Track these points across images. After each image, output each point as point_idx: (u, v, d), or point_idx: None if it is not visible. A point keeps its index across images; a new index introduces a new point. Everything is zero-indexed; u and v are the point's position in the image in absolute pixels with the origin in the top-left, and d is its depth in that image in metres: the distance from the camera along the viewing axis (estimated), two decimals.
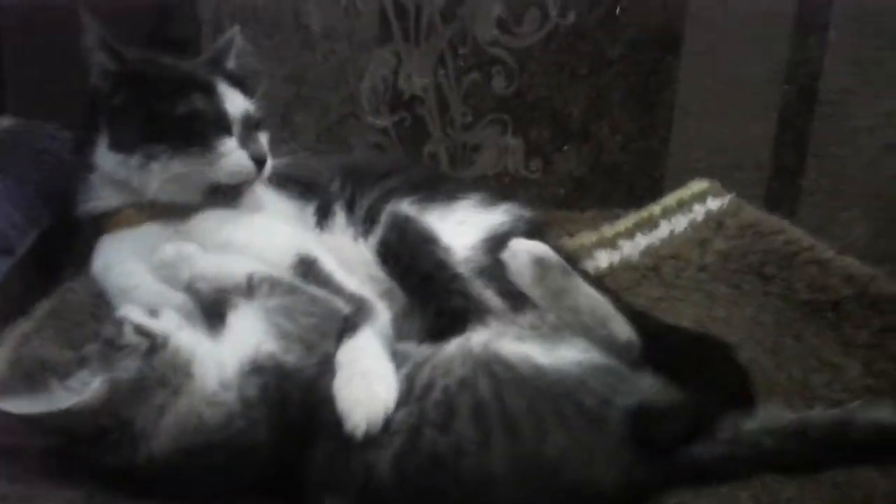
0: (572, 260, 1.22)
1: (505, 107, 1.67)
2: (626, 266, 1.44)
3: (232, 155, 1.08)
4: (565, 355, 0.87)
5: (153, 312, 0.86)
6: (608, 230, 1.55)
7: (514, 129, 1.69)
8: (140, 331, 0.82)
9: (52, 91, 1.34)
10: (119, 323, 0.83)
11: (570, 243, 1.52)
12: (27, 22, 1.42)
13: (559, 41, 1.64)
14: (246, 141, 1.10)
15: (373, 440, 0.79)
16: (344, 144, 1.62)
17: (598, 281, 1.20)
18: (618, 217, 1.59)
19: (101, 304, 1.04)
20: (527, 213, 1.26)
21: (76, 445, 0.77)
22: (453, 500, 0.78)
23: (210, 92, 1.10)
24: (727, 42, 1.70)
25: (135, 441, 0.77)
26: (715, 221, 1.47)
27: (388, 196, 1.18)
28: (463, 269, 1.09)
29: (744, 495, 0.85)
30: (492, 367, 0.85)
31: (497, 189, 1.69)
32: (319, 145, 1.63)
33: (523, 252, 0.96)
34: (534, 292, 0.94)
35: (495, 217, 1.21)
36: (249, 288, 0.92)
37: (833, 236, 1.81)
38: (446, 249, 1.11)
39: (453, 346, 0.91)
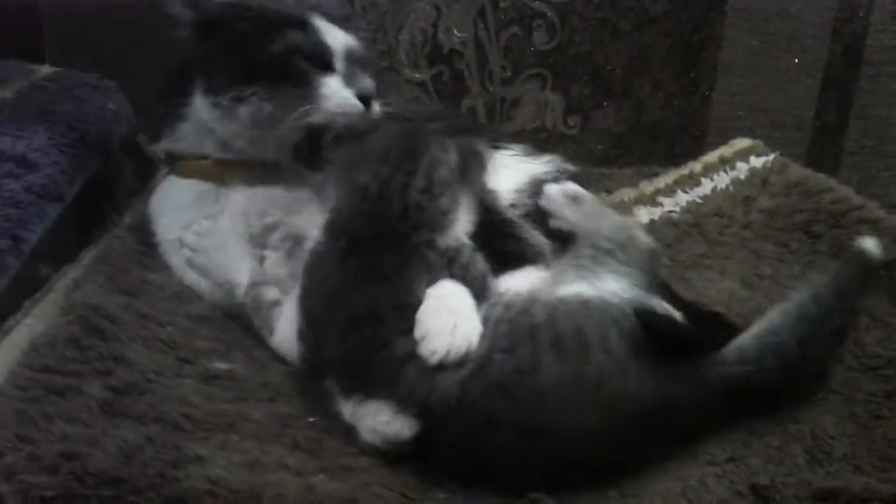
0: None
1: (545, 62, 1.65)
2: (667, 222, 1.41)
3: (337, 93, 1.01)
4: (607, 288, 0.91)
5: None
6: (647, 187, 1.52)
7: (553, 84, 1.67)
8: None
9: (91, 41, 1.32)
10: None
11: (609, 200, 1.50)
12: None
13: None
14: (350, 78, 1.03)
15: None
16: (382, 98, 1.60)
17: None
18: (657, 175, 1.57)
19: (147, 251, 1.04)
20: (569, 166, 1.24)
21: None
22: (508, 422, 0.79)
23: (306, 27, 1.04)
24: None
25: None
26: (759, 179, 1.44)
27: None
28: (511, 213, 1.08)
29: (796, 450, 0.84)
30: (548, 304, 0.87)
31: (534, 146, 1.69)
32: None
33: (558, 191, 1.08)
34: (572, 221, 1.04)
35: (538, 166, 1.19)
36: None
37: (874, 196, 1.80)
38: (492, 193, 1.08)
39: (518, 287, 0.92)
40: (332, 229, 0.89)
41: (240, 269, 1.01)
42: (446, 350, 0.80)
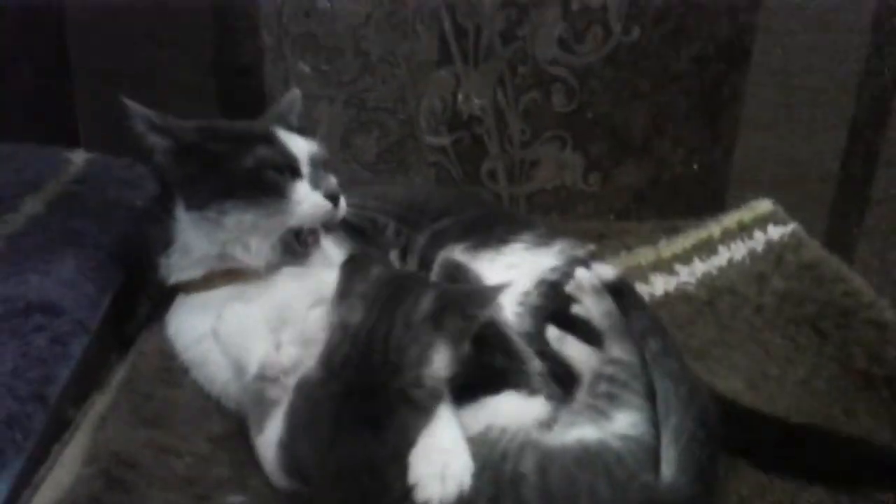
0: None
1: (564, 124, 1.66)
2: (682, 296, 1.43)
3: (307, 197, 1.09)
4: (614, 429, 0.93)
5: None
6: (665, 249, 1.54)
7: (573, 145, 1.68)
8: None
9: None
10: None
11: (627, 260, 1.52)
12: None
13: (622, 58, 1.61)
14: (316, 181, 1.12)
15: None
16: (403, 164, 1.64)
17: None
18: (677, 230, 1.58)
19: (171, 367, 1.10)
20: (579, 251, 1.25)
21: None
22: None
23: (272, 141, 1.12)
24: (798, 54, 1.65)
25: None
26: (775, 255, 1.45)
27: (439, 241, 1.19)
28: (512, 327, 1.10)
29: None
30: (541, 453, 0.90)
31: (553, 204, 1.71)
32: (379, 165, 1.65)
33: (587, 278, 1.09)
34: (592, 314, 1.07)
35: (547, 260, 1.21)
36: None
37: None
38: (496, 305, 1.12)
39: (506, 421, 0.95)
40: (328, 366, 0.93)
41: (255, 352, 1.05)
42: (438, 497, 0.84)
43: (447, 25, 1.57)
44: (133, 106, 1.07)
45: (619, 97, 1.65)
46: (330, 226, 1.15)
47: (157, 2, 1.51)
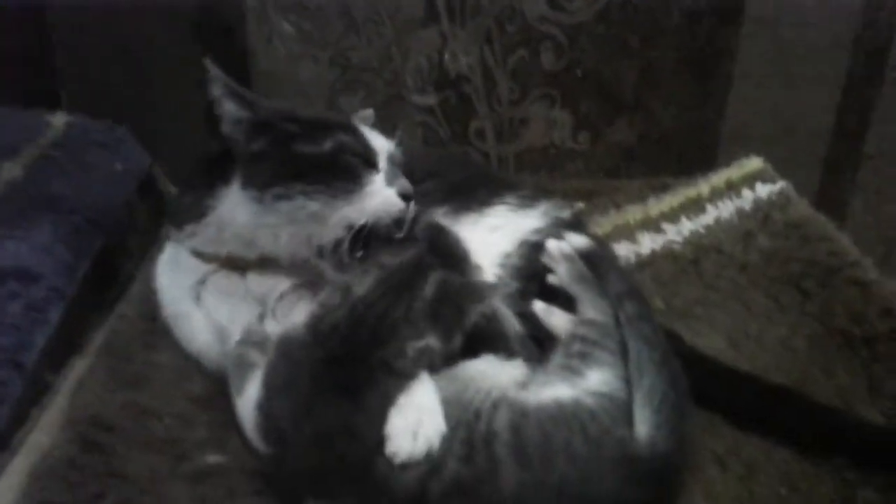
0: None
1: (553, 82, 1.64)
2: (668, 254, 1.43)
3: (381, 191, 1.03)
4: (587, 386, 0.95)
5: None
6: (653, 207, 1.53)
7: (562, 103, 1.66)
8: None
9: (106, 86, 1.35)
10: None
11: (615, 219, 1.52)
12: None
13: (613, 15, 1.59)
14: (392, 179, 1.06)
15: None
16: (390, 124, 1.62)
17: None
18: (666, 187, 1.57)
19: (151, 329, 1.10)
20: (564, 213, 1.24)
21: None
22: None
23: (353, 130, 1.07)
24: (792, 8, 1.63)
25: None
26: (762, 213, 1.45)
27: (423, 203, 1.15)
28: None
29: None
30: (515, 411, 0.91)
31: (542, 162, 1.71)
32: None
33: (555, 247, 1.09)
34: (564, 281, 1.06)
35: (530, 221, 1.20)
36: None
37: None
38: (476, 268, 1.11)
39: (482, 383, 0.96)
40: (314, 329, 0.93)
41: (238, 320, 1.05)
42: (408, 452, 0.86)
43: None
44: (214, 70, 1.02)
45: (609, 54, 1.63)
46: (392, 233, 1.05)
47: None
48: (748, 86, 1.72)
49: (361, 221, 1.01)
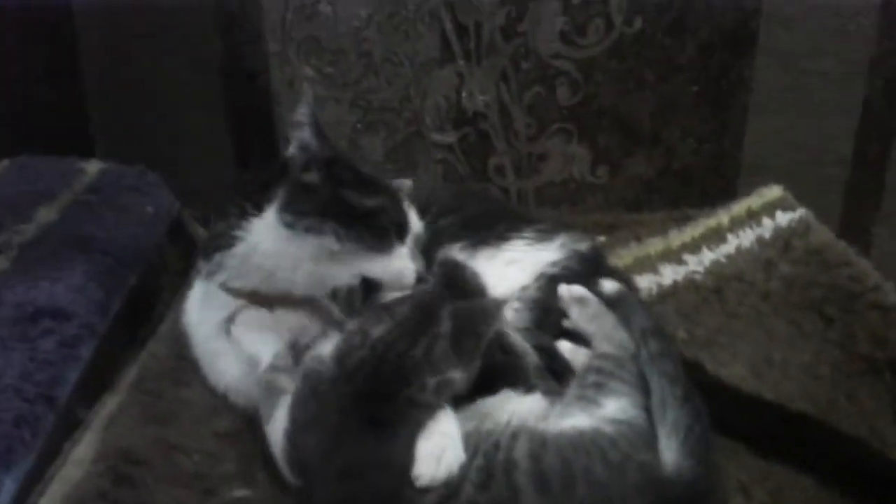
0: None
1: (570, 116, 1.67)
2: (690, 285, 1.43)
3: (402, 259, 1.07)
4: (604, 415, 0.96)
5: None
6: (675, 238, 1.53)
7: (579, 137, 1.69)
8: None
9: (137, 135, 1.39)
10: None
11: (636, 251, 1.52)
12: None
13: (625, 49, 1.61)
14: (413, 256, 1.10)
15: None
16: (410, 163, 1.66)
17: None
18: (688, 218, 1.58)
19: (181, 367, 1.13)
20: (581, 245, 1.26)
21: None
22: None
23: (397, 201, 1.11)
24: (805, 38, 1.65)
25: None
26: (782, 240, 1.44)
27: (440, 239, 1.19)
28: (509, 323, 1.10)
29: None
30: (535, 440, 0.92)
31: (562, 197, 1.73)
32: (387, 164, 1.67)
33: (565, 292, 1.10)
34: (579, 324, 1.08)
35: (548, 254, 1.21)
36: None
37: None
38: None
39: (500, 415, 0.97)
40: (341, 365, 0.95)
41: (267, 348, 1.05)
42: (431, 476, 0.87)
43: (448, 24, 1.58)
44: (307, 94, 1.08)
45: (624, 88, 1.65)
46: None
47: (165, 12, 1.55)
48: (766, 116, 1.73)
49: (377, 278, 1.05)
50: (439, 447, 0.89)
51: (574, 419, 0.95)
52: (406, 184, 1.24)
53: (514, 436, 0.92)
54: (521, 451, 0.90)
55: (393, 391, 0.92)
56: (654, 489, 0.90)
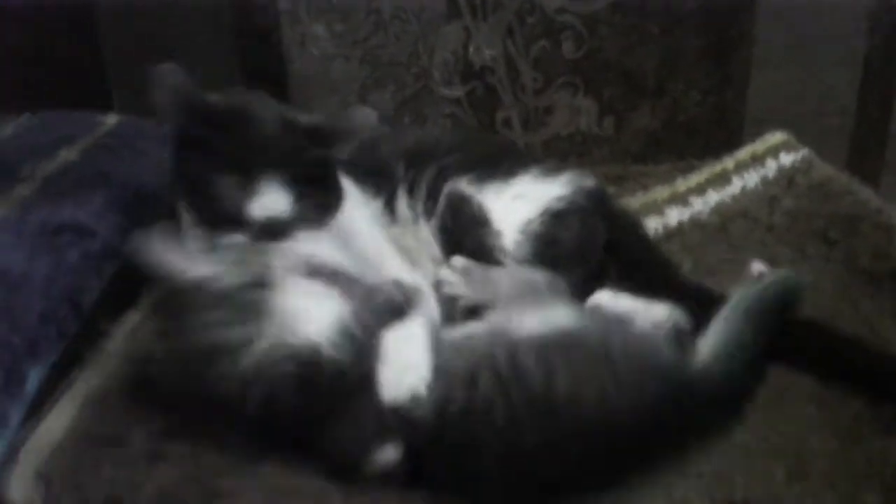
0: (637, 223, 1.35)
1: (575, 70, 1.70)
2: (696, 224, 1.45)
3: None
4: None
5: None
6: (681, 184, 1.55)
7: (585, 90, 1.72)
8: None
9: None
10: None
11: (643, 198, 1.55)
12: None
13: (628, 3, 1.65)
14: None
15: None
16: (419, 116, 1.70)
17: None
18: (693, 169, 1.60)
19: None
20: (588, 182, 1.27)
21: None
22: (490, 445, 0.86)
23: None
24: None
25: None
26: (786, 178, 1.47)
27: (446, 174, 1.21)
28: (510, 254, 1.15)
29: (778, 465, 0.90)
30: (508, 341, 0.94)
31: (569, 149, 1.76)
32: (397, 118, 1.71)
33: (446, 273, 1.11)
34: (472, 298, 1.08)
35: (554, 189, 1.23)
36: None
37: None
38: (497, 233, 1.16)
39: (480, 327, 1.00)
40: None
41: None
42: (395, 398, 0.88)
43: None
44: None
45: (628, 42, 1.68)
46: None
47: None
48: (768, 69, 1.75)
49: None
50: (398, 369, 0.90)
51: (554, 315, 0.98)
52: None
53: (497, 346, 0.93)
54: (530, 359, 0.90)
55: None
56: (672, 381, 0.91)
